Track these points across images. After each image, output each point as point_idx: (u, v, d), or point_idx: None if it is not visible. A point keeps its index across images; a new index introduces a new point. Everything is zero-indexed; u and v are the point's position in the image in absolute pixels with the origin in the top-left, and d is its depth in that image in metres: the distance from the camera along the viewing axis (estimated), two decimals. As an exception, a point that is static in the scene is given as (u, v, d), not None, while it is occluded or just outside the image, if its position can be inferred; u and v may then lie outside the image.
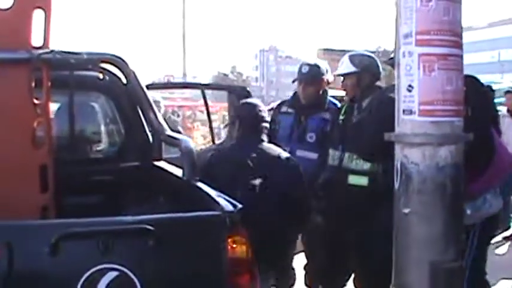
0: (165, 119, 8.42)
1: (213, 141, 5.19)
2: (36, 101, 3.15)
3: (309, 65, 4.37)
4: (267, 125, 3.51)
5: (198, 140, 13.36)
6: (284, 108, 4.50)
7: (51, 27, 3.16)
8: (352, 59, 3.95)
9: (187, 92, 28.59)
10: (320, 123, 4.23)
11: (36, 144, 3.16)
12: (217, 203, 2.39)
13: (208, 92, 5.70)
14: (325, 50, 20.82)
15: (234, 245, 2.30)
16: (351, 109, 3.89)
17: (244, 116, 3.47)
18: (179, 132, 8.80)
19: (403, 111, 2.33)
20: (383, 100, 3.27)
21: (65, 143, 3.46)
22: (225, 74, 38.53)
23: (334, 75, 4.26)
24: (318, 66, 4.35)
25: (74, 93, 3.46)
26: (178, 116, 18.59)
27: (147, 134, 3.58)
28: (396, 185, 2.37)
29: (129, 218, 2.28)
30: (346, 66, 3.95)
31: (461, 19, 2.33)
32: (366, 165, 3.61)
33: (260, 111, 3.46)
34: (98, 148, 3.80)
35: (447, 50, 2.28)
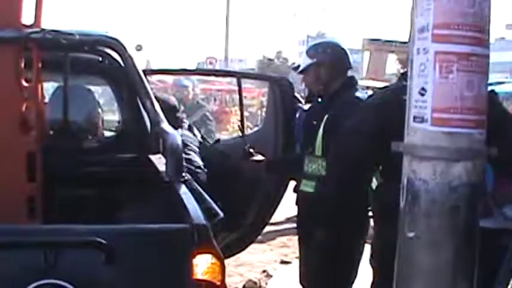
0: (188, 105, 8.15)
1: (242, 131, 4.87)
2: (25, 84, 2.93)
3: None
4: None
5: (235, 125, 13.18)
6: None
7: (43, 4, 2.92)
8: (308, 51, 3.51)
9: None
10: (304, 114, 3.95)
11: (25, 129, 2.94)
12: (188, 212, 2.08)
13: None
14: (370, 40, 20.22)
15: (202, 265, 2.00)
16: (321, 108, 3.47)
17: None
18: (208, 118, 8.58)
19: (414, 117, 1.99)
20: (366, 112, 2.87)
21: (58, 129, 3.23)
22: (270, 59, 37.98)
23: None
24: None
25: (72, 76, 3.23)
26: (215, 100, 18.42)
27: (145, 124, 3.31)
28: (401, 204, 2.03)
29: (78, 228, 2.01)
30: (303, 61, 3.53)
31: (489, 12, 1.96)
32: (312, 168, 3.32)
33: (173, 102, 3.72)
34: (94, 137, 3.55)
35: (469, 49, 1.91)
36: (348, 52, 3.60)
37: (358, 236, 3.41)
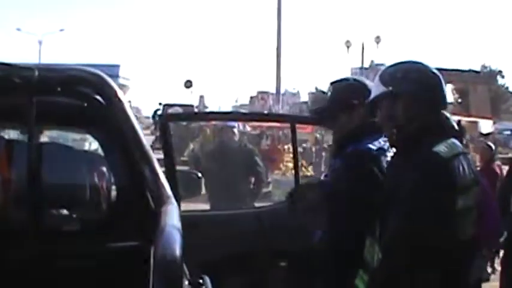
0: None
1: (296, 181, 3.79)
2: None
3: None
4: None
5: (288, 164, 12.15)
6: None
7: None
8: (382, 75, 2.42)
9: (282, 110, 27.27)
10: None
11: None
12: None
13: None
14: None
15: None
16: (398, 166, 2.35)
17: None
18: (257, 164, 7.43)
19: None
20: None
21: (20, 204, 2.22)
22: (322, 92, 36.90)
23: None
24: None
25: (41, 129, 2.24)
26: (267, 137, 17.25)
27: (146, 197, 2.19)
28: None
29: None
30: (375, 89, 2.44)
31: None
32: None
33: None
34: (73, 215, 2.46)
35: None
36: (442, 80, 2.42)
37: None
